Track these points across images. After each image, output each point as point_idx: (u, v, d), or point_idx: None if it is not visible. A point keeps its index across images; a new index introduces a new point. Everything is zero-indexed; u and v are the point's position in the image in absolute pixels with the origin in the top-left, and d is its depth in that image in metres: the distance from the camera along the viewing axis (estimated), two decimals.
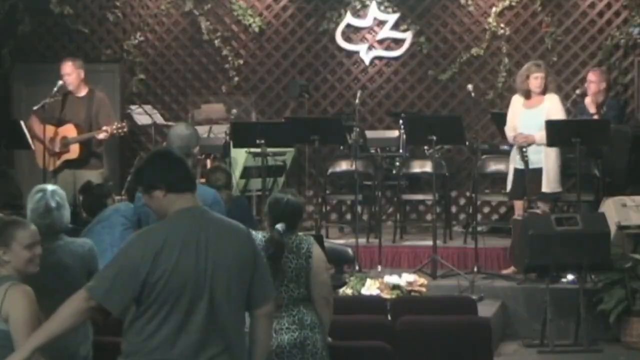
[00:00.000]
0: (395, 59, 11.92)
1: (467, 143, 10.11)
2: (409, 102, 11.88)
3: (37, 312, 4.45)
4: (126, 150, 12.45)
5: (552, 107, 9.22)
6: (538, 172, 9.09)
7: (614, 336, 8.47)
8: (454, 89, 11.73)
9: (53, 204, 5.33)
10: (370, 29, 11.94)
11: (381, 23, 11.89)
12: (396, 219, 10.82)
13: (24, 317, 4.41)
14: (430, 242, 9.41)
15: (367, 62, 11.95)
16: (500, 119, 10.03)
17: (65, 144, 9.60)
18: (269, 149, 9.70)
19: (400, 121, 10.43)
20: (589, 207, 9.80)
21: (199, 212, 4.09)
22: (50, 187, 5.49)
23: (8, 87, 12.52)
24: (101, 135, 9.58)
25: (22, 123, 9.59)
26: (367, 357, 5.77)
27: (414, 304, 7.19)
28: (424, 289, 8.37)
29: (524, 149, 8.97)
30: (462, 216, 11.54)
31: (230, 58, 12.17)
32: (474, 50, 11.61)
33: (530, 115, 9.18)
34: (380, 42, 11.93)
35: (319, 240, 6.24)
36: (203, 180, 8.06)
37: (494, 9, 11.53)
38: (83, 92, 9.79)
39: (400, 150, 10.73)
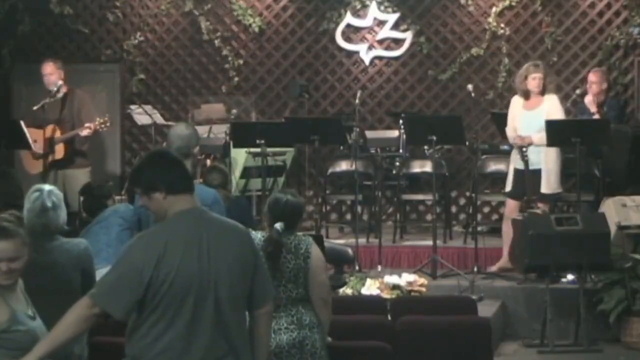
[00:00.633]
0: (395, 59, 11.92)
1: (467, 143, 10.11)
2: (409, 102, 11.88)
3: None
4: (126, 150, 12.45)
5: (552, 108, 9.21)
6: (537, 173, 9.09)
7: (614, 336, 8.46)
8: (454, 89, 11.73)
9: (49, 204, 5.34)
10: (370, 29, 11.93)
11: (381, 23, 11.89)
12: (396, 219, 10.82)
13: None
14: (430, 242, 9.41)
15: (367, 62, 11.95)
16: (500, 119, 10.03)
17: (51, 144, 9.60)
18: (269, 149, 9.70)
19: (400, 121, 10.43)
20: (589, 207, 9.80)
21: (199, 213, 4.09)
22: (47, 187, 5.50)
23: (8, 87, 12.51)
24: (84, 132, 9.62)
25: (22, 123, 9.60)
26: (367, 357, 5.76)
27: (414, 304, 7.18)
28: (424, 289, 8.37)
29: (524, 150, 8.96)
30: (462, 216, 11.54)
31: (230, 58, 12.17)
32: (474, 50, 11.60)
33: (530, 117, 9.17)
34: (380, 42, 11.93)
35: (319, 240, 6.23)
36: (200, 180, 8.05)
37: (494, 9, 11.52)
38: (63, 91, 9.83)
39: (400, 150, 10.73)
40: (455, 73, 11.69)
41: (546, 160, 9.09)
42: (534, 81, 9.21)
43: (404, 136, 10.39)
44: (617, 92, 11.07)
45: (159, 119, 11.67)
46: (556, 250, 8.21)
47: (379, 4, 11.85)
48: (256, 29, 12.12)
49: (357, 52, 11.97)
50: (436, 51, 11.79)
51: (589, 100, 10.02)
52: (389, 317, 6.53)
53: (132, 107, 11.83)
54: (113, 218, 7.17)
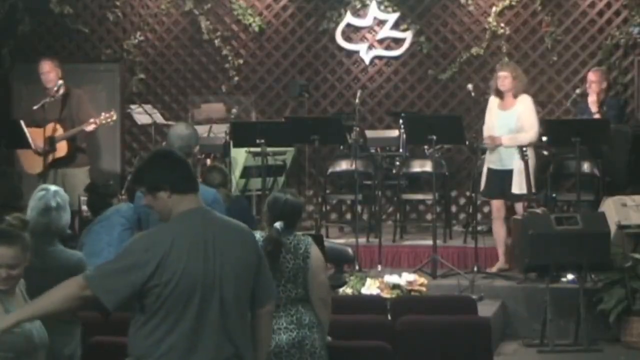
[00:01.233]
0: (395, 58, 11.92)
1: (467, 143, 10.10)
2: (409, 102, 11.88)
3: None
4: (126, 150, 12.45)
5: (524, 110, 9.26)
6: (509, 173, 9.12)
7: (614, 336, 8.46)
8: (454, 88, 11.72)
9: (53, 204, 5.34)
10: (370, 29, 11.93)
11: (381, 22, 11.88)
12: (396, 219, 10.82)
13: None
14: (430, 242, 9.41)
15: (367, 61, 11.94)
16: None
17: (52, 142, 9.60)
18: (269, 149, 9.70)
19: (400, 121, 10.43)
20: (589, 206, 9.80)
21: (204, 213, 4.07)
22: (53, 187, 5.51)
23: (8, 87, 12.51)
24: (90, 127, 9.65)
25: (22, 123, 9.60)
26: (367, 357, 5.76)
27: (414, 303, 7.18)
28: (424, 289, 8.37)
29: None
30: (462, 216, 11.54)
31: (230, 58, 12.17)
32: (474, 50, 11.60)
33: (504, 117, 9.27)
34: (380, 41, 11.92)
35: (319, 240, 6.22)
36: (200, 180, 8.05)
37: (494, 9, 11.52)
38: (61, 90, 9.83)
39: (400, 150, 10.73)
40: (455, 73, 11.69)
41: (517, 162, 9.05)
42: (499, 80, 9.26)
43: (404, 136, 10.39)
44: (617, 91, 11.06)
45: (159, 119, 11.67)
46: (556, 249, 8.21)
47: (379, 3, 11.84)
48: (256, 29, 12.11)
49: (357, 52, 11.97)
50: (436, 51, 11.79)
51: (592, 100, 10.02)
52: (389, 317, 6.54)
53: (132, 106, 11.84)
54: (115, 218, 7.16)
